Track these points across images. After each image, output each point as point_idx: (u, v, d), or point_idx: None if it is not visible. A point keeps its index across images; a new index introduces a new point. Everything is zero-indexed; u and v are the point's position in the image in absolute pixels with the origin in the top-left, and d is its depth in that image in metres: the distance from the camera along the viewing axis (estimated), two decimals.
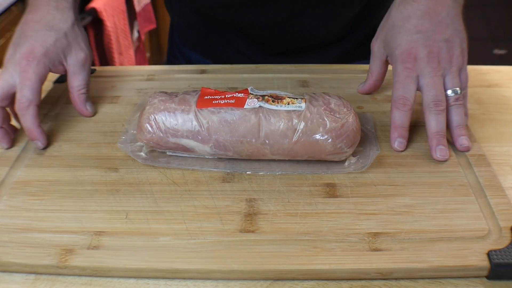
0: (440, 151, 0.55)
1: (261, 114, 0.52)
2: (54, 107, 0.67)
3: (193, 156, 0.56)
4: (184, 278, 0.45)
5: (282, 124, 0.52)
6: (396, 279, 0.44)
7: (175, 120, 0.53)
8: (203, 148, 0.54)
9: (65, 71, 0.62)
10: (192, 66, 0.76)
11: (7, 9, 1.45)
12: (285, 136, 0.52)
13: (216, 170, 0.54)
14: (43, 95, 0.70)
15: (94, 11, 1.69)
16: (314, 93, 0.55)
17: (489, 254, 0.44)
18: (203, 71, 0.75)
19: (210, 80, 0.73)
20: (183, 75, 0.74)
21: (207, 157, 0.56)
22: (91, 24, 1.72)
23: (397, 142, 0.56)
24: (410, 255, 0.45)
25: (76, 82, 0.62)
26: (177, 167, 0.55)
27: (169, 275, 0.45)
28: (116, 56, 1.73)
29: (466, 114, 0.58)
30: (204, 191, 0.52)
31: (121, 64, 1.78)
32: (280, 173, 0.54)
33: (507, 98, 0.69)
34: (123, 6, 1.77)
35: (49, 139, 0.60)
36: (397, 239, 0.46)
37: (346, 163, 0.55)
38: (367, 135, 0.58)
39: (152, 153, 0.57)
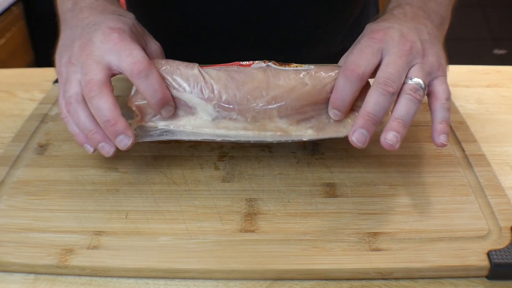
0: (359, 135, 0.46)
1: (269, 72, 0.50)
2: (54, 107, 0.67)
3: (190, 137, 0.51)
4: (184, 278, 0.45)
5: (292, 79, 0.49)
6: (396, 279, 0.44)
7: (177, 75, 0.49)
8: (206, 107, 0.50)
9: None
10: None
11: (7, 9, 1.45)
12: (293, 91, 0.49)
13: (210, 139, 0.50)
14: (43, 96, 0.70)
15: None
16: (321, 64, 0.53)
17: (489, 254, 0.44)
18: None
19: None
20: None
21: (206, 138, 0.51)
22: None
23: (334, 114, 0.49)
24: (410, 255, 0.45)
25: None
26: (170, 139, 0.51)
27: (169, 275, 0.45)
28: None
29: (445, 133, 0.48)
30: (204, 191, 0.52)
31: None
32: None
33: (507, 98, 0.69)
34: (123, 6, 1.77)
35: (49, 139, 0.60)
36: (397, 239, 0.46)
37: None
38: None
39: (141, 129, 0.52)
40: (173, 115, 0.51)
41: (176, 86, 0.50)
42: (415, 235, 0.46)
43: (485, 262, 0.44)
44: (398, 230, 0.47)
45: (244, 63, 0.51)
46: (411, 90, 0.46)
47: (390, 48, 0.47)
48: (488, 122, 0.64)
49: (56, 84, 0.72)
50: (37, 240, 0.47)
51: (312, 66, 0.51)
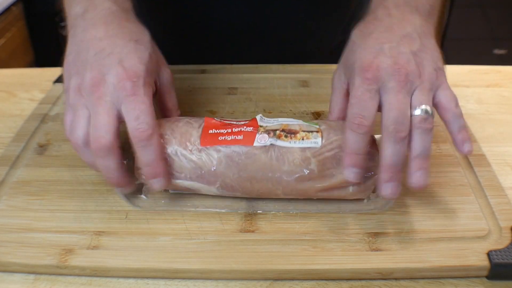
0: (391, 188, 0.45)
1: (272, 153, 0.47)
2: (54, 107, 0.67)
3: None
4: (184, 278, 0.45)
5: (296, 164, 0.47)
6: (396, 279, 0.44)
7: (177, 161, 0.48)
8: (209, 189, 0.49)
9: (154, 91, 0.52)
10: (192, 66, 0.76)
11: (7, 9, 1.45)
12: (299, 177, 0.47)
13: (225, 211, 0.50)
14: (43, 96, 0.70)
15: None
16: (331, 121, 0.51)
17: (489, 254, 0.44)
18: (203, 71, 0.75)
19: (210, 80, 0.72)
20: (183, 75, 0.74)
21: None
22: None
23: (351, 173, 0.46)
24: (410, 255, 0.45)
25: (172, 101, 0.55)
26: (183, 210, 0.50)
27: (169, 275, 0.45)
28: None
29: (467, 139, 0.48)
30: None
31: None
32: (295, 212, 0.50)
33: (507, 98, 0.69)
34: None
35: (49, 139, 0.60)
36: (397, 239, 0.46)
37: (365, 200, 0.51)
38: None
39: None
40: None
41: (175, 174, 0.48)
42: (415, 235, 0.46)
43: (485, 262, 0.44)
44: (398, 230, 0.47)
45: (248, 129, 0.48)
46: (420, 122, 0.45)
47: (386, 83, 0.45)
48: (488, 122, 0.64)
49: (56, 84, 0.72)
50: (37, 240, 0.47)
51: (319, 139, 0.47)
